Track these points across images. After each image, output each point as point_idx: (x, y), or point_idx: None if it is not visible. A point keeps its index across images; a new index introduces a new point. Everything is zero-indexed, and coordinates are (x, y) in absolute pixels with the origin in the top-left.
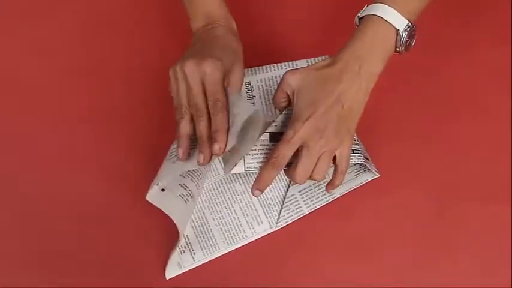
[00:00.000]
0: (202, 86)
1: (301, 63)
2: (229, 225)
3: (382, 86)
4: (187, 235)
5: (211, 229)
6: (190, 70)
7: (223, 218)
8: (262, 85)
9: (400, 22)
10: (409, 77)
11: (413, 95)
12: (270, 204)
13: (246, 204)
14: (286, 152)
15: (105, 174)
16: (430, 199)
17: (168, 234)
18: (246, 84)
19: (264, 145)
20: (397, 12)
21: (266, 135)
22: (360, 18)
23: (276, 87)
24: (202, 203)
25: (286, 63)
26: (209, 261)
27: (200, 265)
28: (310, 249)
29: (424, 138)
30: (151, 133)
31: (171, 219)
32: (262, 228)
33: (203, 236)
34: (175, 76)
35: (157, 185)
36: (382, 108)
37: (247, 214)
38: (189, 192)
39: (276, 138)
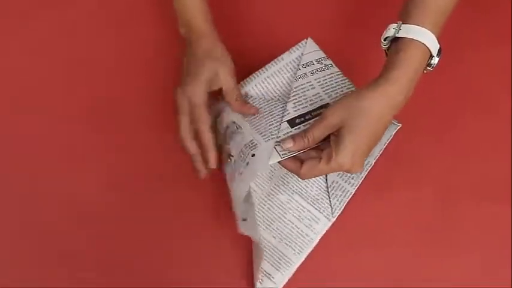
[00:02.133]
0: (186, 110)
1: (286, 56)
2: (291, 236)
3: None
4: (261, 267)
5: (276, 248)
6: (178, 99)
7: (283, 232)
8: (260, 89)
9: (430, 40)
10: None
11: (415, 94)
12: (317, 199)
13: (297, 210)
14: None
15: (106, 174)
16: (431, 198)
17: (166, 234)
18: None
19: (288, 132)
20: (433, 35)
21: (285, 124)
22: (394, 40)
23: (272, 85)
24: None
25: (273, 61)
26: (211, 260)
27: (203, 264)
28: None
29: (426, 137)
30: (152, 132)
31: (172, 220)
32: (322, 225)
33: (273, 258)
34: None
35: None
36: None
37: (302, 218)
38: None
39: (294, 122)
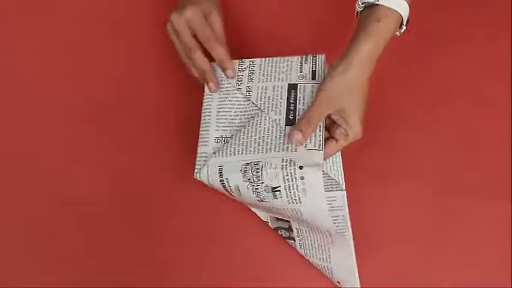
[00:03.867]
0: (189, 30)
1: (295, 60)
2: (323, 241)
3: (381, 81)
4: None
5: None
6: (175, 21)
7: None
8: (260, 76)
9: (405, 10)
10: (409, 70)
11: (413, 88)
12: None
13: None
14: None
15: (107, 174)
16: (429, 196)
17: (167, 234)
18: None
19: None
20: (406, 3)
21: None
22: (366, 7)
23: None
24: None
25: (279, 57)
26: (211, 260)
27: (202, 264)
28: None
29: (424, 133)
30: (153, 132)
31: (172, 220)
32: (340, 198)
33: (337, 271)
34: (169, 32)
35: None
36: (382, 104)
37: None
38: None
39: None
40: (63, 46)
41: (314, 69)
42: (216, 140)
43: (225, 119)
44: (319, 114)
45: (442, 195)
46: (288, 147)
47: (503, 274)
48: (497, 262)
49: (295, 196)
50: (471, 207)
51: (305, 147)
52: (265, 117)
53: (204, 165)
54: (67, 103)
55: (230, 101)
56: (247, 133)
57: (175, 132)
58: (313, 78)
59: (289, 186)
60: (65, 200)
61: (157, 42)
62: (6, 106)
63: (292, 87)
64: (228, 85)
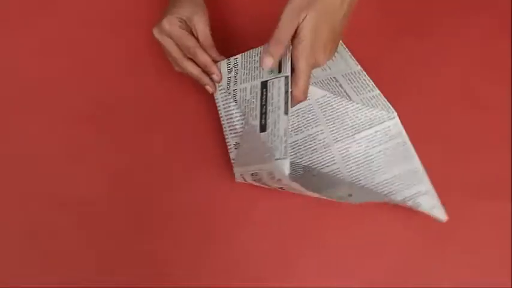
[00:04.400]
0: (171, 41)
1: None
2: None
3: (381, 81)
4: None
5: None
6: (157, 36)
7: None
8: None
9: None
10: (407, 70)
11: (412, 89)
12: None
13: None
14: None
15: (107, 174)
16: None
17: (166, 234)
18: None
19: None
20: None
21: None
22: None
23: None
24: None
25: (254, 49)
26: (211, 260)
27: (202, 264)
28: (312, 246)
29: (422, 133)
30: (153, 132)
31: (172, 220)
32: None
33: None
34: (158, 42)
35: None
36: None
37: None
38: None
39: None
40: (63, 46)
41: (280, 59)
42: (235, 147)
43: (232, 125)
44: (286, 30)
45: (442, 195)
46: (265, 159)
47: (503, 274)
48: (497, 262)
49: None
50: (471, 207)
51: (274, 158)
52: (248, 124)
53: (235, 171)
54: (67, 103)
55: (229, 106)
56: (243, 142)
57: (175, 132)
58: (280, 70)
59: None
60: (65, 200)
61: (157, 42)
62: (6, 106)
63: (264, 86)
64: (222, 90)
